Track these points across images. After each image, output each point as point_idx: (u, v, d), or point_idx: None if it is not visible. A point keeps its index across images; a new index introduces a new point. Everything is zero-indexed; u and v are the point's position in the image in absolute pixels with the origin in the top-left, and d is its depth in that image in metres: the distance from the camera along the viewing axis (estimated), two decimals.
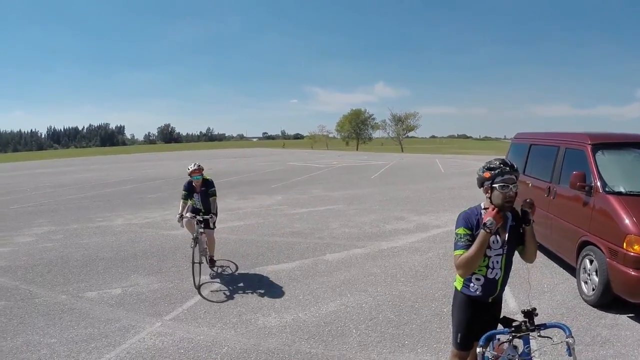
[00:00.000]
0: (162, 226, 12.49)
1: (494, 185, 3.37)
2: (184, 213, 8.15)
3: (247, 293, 7.36)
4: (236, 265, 8.82)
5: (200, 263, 7.76)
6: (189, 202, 8.40)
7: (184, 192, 8.31)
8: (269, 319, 6.33)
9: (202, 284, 7.69)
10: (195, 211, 8.30)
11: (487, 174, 3.40)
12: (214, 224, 8.32)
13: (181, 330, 5.99)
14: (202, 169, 8.26)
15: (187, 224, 8.19)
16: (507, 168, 3.37)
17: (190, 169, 8.11)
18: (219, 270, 8.60)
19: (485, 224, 3.30)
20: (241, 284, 7.79)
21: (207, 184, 8.33)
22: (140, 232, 11.94)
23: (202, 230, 8.03)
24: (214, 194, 8.39)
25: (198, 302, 6.96)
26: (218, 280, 8.06)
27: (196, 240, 7.72)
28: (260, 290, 7.47)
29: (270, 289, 7.56)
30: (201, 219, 8.02)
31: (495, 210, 3.33)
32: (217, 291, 7.49)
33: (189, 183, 8.25)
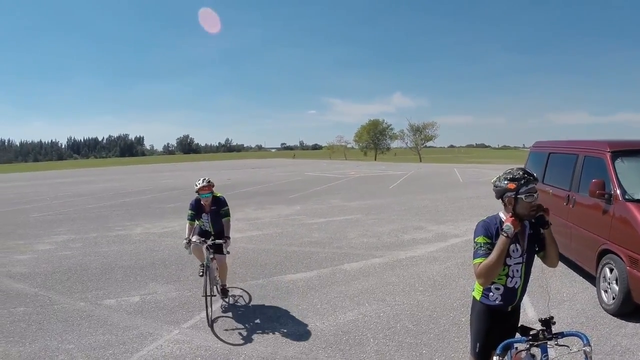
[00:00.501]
0: (180, 235, 12.50)
1: (519, 196, 3.35)
2: (191, 237, 7.05)
3: (265, 302, 7.39)
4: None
5: (212, 295, 6.81)
6: (197, 224, 7.34)
7: (190, 212, 7.21)
8: (287, 328, 6.34)
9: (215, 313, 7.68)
10: (204, 234, 7.22)
11: (512, 185, 3.36)
12: (227, 249, 7.21)
13: (199, 338, 6.02)
14: (213, 185, 7.15)
15: (195, 249, 7.08)
16: (532, 177, 3.37)
17: (198, 186, 7.00)
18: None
19: (502, 229, 3.30)
20: (259, 293, 7.81)
21: (219, 203, 7.24)
22: (159, 241, 12.04)
23: (212, 256, 6.93)
24: (227, 214, 7.29)
25: (216, 311, 7.00)
26: (236, 288, 8.06)
27: (206, 268, 6.73)
28: (278, 300, 7.49)
29: (288, 298, 7.57)
30: (211, 244, 6.90)
31: (512, 217, 3.32)
32: (235, 300, 7.55)
33: (197, 201, 7.17)
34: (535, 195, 3.34)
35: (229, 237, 7.14)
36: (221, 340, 5.98)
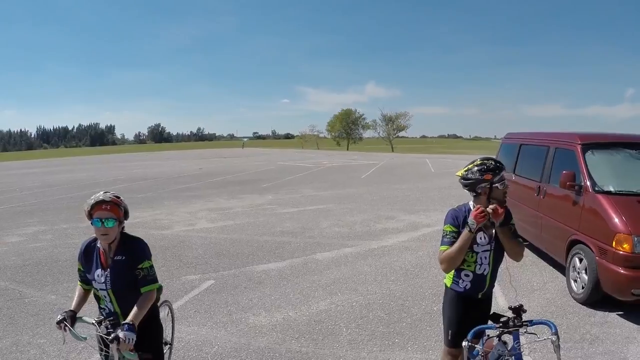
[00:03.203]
0: (151, 226, 12.40)
1: (495, 185, 3.42)
2: (75, 311, 3.52)
3: (237, 292, 7.30)
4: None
5: None
6: (89, 291, 3.74)
7: (79, 267, 3.74)
8: (260, 318, 6.28)
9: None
10: (108, 313, 3.57)
11: (489, 176, 3.42)
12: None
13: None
14: (121, 204, 3.53)
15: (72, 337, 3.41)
16: (502, 166, 3.49)
17: (92, 202, 3.40)
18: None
19: (467, 223, 3.38)
20: (231, 283, 7.72)
21: (132, 251, 3.58)
22: (129, 232, 11.82)
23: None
24: (150, 280, 3.60)
25: (188, 302, 6.90)
26: (208, 279, 7.98)
27: None
28: (250, 290, 7.41)
29: (260, 288, 7.50)
30: (116, 340, 3.14)
31: (478, 211, 3.35)
32: (207, 291, 7.43)
33: (88, 245, 3.67)
34: (505, 182, 3.45)
35: (133, 325, 3.27)
36: (194, 331, 5.89)
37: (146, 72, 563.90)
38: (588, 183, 6.99)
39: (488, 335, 3.47)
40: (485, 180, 3.42)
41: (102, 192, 3.48)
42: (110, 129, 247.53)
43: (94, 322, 3.45)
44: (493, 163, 3.47)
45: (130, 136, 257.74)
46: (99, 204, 3.40)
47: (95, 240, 3.62)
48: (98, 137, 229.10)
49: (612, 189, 6.80)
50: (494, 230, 3.51)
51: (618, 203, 6.48)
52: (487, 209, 3.36)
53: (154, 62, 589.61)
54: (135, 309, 3.42)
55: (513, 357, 3.16)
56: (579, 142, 7.57)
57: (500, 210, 3.37)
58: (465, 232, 3.38)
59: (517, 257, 3.55)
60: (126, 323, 3.28)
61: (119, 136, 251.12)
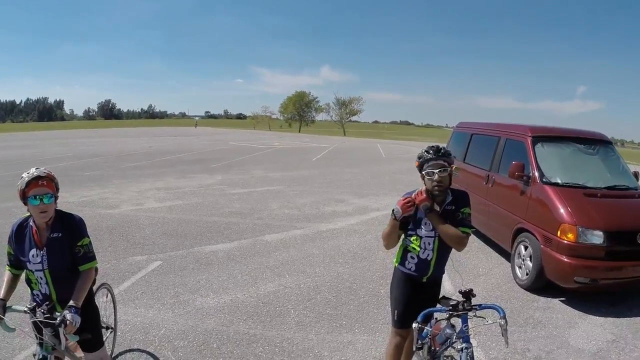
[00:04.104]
0: (99, 205, 11.99)
1: (422, 172, 3.51)
2: (5, 300, 3.31)
3: (185, 273, 7.13)
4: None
5: None
6: (22, 275, 3.49)
7: (8, 249, 3.45)
8: (207, 300, 6.17)
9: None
10: (42, 299, 3.39)
11: (417, 163, 3.57)
12: (96, 342, 3.61)
13: (118, 311, 5.77)
14: (54, 178, 3.31)
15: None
16: (432, 155, 3.49)
17: (27, 179, 3.19)
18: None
19: (393, 209, 3.51)
20: (179, 264, 7.54)
21: (70, 228, 3.39)
22: (76, 211, 11.25)
23: (60, 345, 3.29)
24: (89, 258, 3.45)
25: (135, 283, 6.68)
26: (155, 260, 7.80)
27: None
28: (198, 271, 7.26)
29: (208, 269, 7.36)
30: (53, 323, 3.11)
31: (405, 200, 3.47)
32: (154, 272, 7.25)
33: (20, 226, 3.43)
34: (436, 172, 3.44)
35: (77, 307, 3.18)
36: (140, 313, 5.73)
37: (98, 46, 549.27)
38: (536, 174, 7.15)
39: (436, 318, 3.51)
40: (416, 166, 3.59)
41: (34, 169, 3.27)
42: (59, 104, 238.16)
43: (26, 309, 3.23)
44: (423, 151, 3.56)
45: (79, 112, 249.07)
46: (34, 181, 3.19)
47: (27, 219, 3.41)
48: (46, 112, 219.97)
49: (559, 181, 6.99)
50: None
51: (564, 194, 6.65)
52: (416, 191, 3.51)
53: (107, 36, 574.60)
54: (76, 290, 3.30)
55: (461, 340, 3.23)
56: (530, 135, 7.74)
57: (421, 197, 3.47)
58: (390, 219, 3.55)
59: (455, 245, 3.54)
60: (72, 306, 3.15)
61: (68, 112, 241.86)
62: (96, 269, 3.63)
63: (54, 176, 3.31)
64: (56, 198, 3.32)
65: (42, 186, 3.19)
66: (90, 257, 3.45)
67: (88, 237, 3.48)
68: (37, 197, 3.18)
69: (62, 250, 3.35)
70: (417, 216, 3.58)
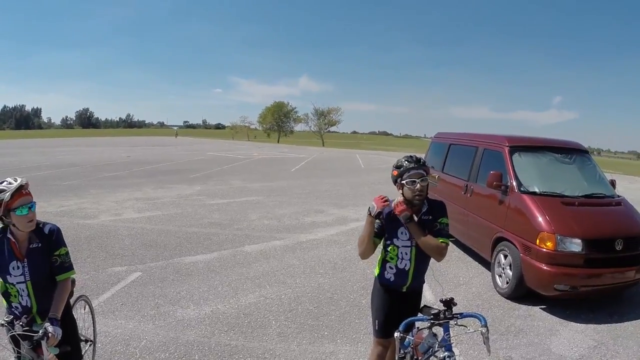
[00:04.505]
0: (77, 215, 11.84)
1: (402, 182, 3.50)
2: None
3: (165, 285, 7.06)
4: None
5: None
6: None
7: None
8: (188, 311, 6.11)
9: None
10: (22, 311, 3.32)
11: (395, 172, 3.55)
12: (74, 355, 3.51)
13: (97, 323, 5.69)
14: (26, 187, 3.17)
15: None
16: (413, 164, 3.50)
17: (12, 190, 3.07)
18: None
19: (369, 207, 3.51)
20: (159, 275, 7.45)
21: (44, 235, 3.33)
22: (54, 221, 11.08)
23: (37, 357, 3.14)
24: (67, 268, 3.39)
25: (115, 295, 6.59)
26: (135, 271, 7.70)
27: None
28: (178, 282, 7.19)
29: (188, 280, 7.29)
30: (33, 336, 3.03)
31: (382, 197, 3.49)
32: (134, 283, 7.16)
33: None
34: (417, 181, 3.46)
35: (58, 319, 3.15)
36: (120, 325, 5.65)
37: (75, 53, 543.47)
38: (514, 183, 7.24)
39: (418, 327, 3.52)
40: (393, 175, 3.57)
41: (10, 179, 3.16)
42: (37, 112, 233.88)
43: (3, 322, 3.12)
44: (402, 160, 3.56)
45: (57, 120, 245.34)
46: (19, 191, 3.10)
47: (3, 232, 3.25)
48: (23, 120, 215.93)
49: (537, 190, 7.07)
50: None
51: (542, 203, 6.74)
52: (395, 201, 3.49)
53: (84, 43, 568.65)
54: (54, 301, 3.23)
55: (443, 348, 3.22)
56: (507, 145, 7.83)
57: (401, 207, 3.47)
58: (366, 218, 3.53)
59: (434, 255, 3.56)
60: (53, 318, 3.11)
61: (45, 120, 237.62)
62: (73, 281, 3.58)
63: (26, 184, 3.21)
64: (33, 206, 3.24)
65: (27, 195, 3.15)
66: (67, 266, 3.38)
67: (66, 246, 3.42)
68: (25, 206, 3.12)
69: (43, 261, 3.30)
70: (393, 225, 3.60)
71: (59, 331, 3.07)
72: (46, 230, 3.36)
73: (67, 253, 3.41)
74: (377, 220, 3.56)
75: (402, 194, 3.54)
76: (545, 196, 6.95)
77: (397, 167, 3.54)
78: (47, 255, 3.31)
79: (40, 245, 3.29)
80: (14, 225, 3.16)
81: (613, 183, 7.78)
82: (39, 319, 3.30)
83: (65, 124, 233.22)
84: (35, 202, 3.22)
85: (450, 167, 10.01)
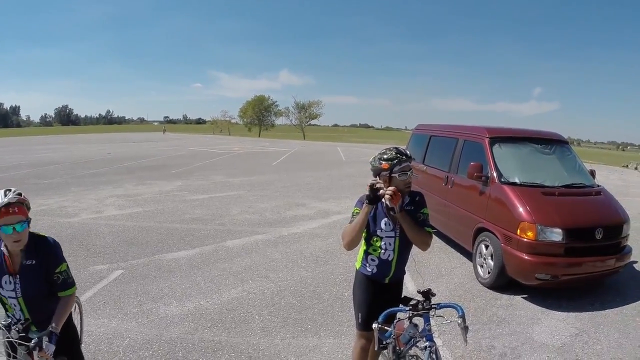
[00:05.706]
0: (57, 213, 11.67)
1: (393, 175, 3.47)
2: None
3: (147, 282, 7.00)
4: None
5: None
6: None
7: None
8: (171, 308, 6.07)
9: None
10: (18, 319, 3.17)
11: (386, 165, 3.50)
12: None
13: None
14: (25, 201, 3.10)
15: None
16: (404, 157, 3.51)
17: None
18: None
19: (367, 195, 3.45)
20: (141, 273, 7.39)
21: (41, 252, 3.16)
22: (35, 220, 10.97)
23: None
24: (69, 284, 3.26)
25: (97, 293, 6.52)
26: (117, 269, 7.63)
27: None
28: (160, 279, 7.13)
29: (170, 277, 7.24)
30: (27, 345, 2.92)
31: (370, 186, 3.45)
32: (116, 281, 7.09)
33: None
34: (408, 173, 3.49)
35: (56, 334, 3.00)
36: (103, 323, 5.59)
37: (54, 50, 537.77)
38: (494, 174, 7.28)
39: (399, 318, 3.53)
40: (383, 169, 3.50)
41: (1, 192, 2.97)
42: (15, 110, 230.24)
43: (0, 326, 3.11)
44: (393, 153, 3.52)
45: (36, 118, 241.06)
46: (5, 208, 2.89)
47: None
48: (1, 119, 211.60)
49: (517, 181, 7.12)
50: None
51: (523, 194, 6.79)
52: (387, 189, 3.41)
53: (61, 39, 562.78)
54: (56, 315, 3.09)
55: (424, 338, 3.26)
56: (487, 136, 7.86)
57: (397, 198, 3.42)
58: (364, 205, 3.45)
59: (421, 245, 3.56)
60: (52, 332, 2.96)
61: (24, 117, 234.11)
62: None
63: (25, 198, 3.06)
64: (29, 222, 3.06)
65: (13, 214, 2.92)
66: (70, 282, 3.25)
67: (65, 261, 3.26)
68: (9, 226, 2.91)
69: (37, 278, 3.13)
70: (376, 216, 3.59)
71: (52, 348, 2.91)
72: (43, 246, 3.19)
73: (67, 268, 3.28)
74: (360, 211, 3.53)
75: (390, 185, 3.51)
76: (525, 186, 7.01)
77: (388, 159, 3.51)
78: (44, 273, 3.15)
79: (34, 262, 3.12)
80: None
81: (593, 173, 7.86)
82: (34, 327, 3.15)
83: (45, 122, 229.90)
84: (25, 221, 3.00)
85: (431, 158, 10.03)
